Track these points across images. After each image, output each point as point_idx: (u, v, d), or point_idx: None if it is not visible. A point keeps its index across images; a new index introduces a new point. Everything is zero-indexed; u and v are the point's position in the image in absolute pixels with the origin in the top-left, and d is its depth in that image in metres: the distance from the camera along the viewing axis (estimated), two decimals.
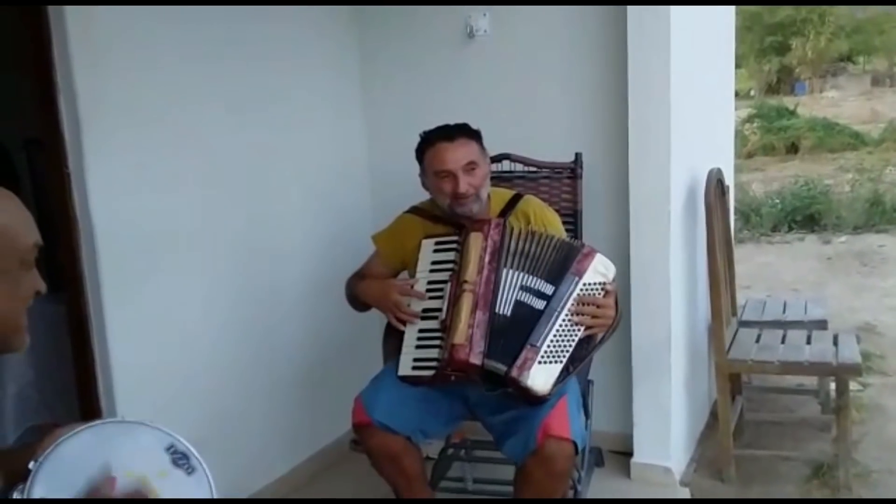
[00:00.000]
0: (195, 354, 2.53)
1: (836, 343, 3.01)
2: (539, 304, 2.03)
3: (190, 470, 1.20)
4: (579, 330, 2.02)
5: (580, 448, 2.06)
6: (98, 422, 1.23)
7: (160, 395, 2.38)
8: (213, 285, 2.61)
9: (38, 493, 1.11)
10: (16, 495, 1.11)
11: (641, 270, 2.76)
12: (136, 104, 2.30)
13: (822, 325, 3.41)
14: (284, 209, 2.90)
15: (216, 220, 2.60)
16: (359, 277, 2.39)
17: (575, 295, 2.02)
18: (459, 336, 2.01)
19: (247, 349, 2.74)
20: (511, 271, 2.07)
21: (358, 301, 2.35)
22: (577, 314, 2.01)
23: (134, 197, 2.31)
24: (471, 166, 2.19)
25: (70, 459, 1.14)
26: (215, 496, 1.21)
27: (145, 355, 2.35)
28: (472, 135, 2.25)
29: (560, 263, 2.06)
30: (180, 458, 1.20)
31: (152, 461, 1.18)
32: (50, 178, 2.23)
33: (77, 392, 2.34)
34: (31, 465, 1.13)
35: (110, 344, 2.26)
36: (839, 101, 21.96)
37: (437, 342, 2.10)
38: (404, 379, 2.14)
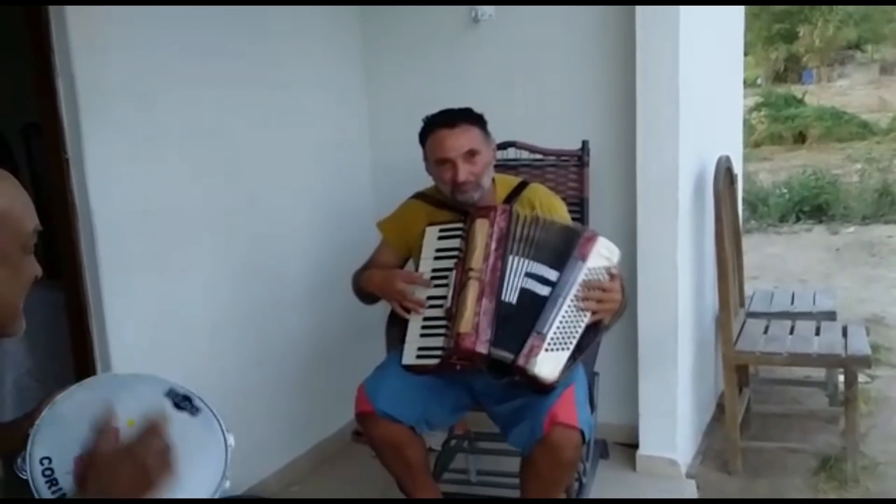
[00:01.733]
0: (195, 343, 2.51)
1: (844, 335, 2.98)
2: (544, 291, 1.99)
3: (194, 411, 1.18)
4: (586, 315, 1.98)
5: (587, 438, 2.03)
6: (92, 378, 1.21)
7: None
8: (214, 272, 2.58)
9: (38, 455, 1.10)
10: (19, 462, 1.09)
11: (648, 260, 2.72)
12: (136, 89, 2.27)
13: (830, 316, 3.38)
14: (286, 195, 2.87)
15: (217, 207, 2.57)
16: (365, 268, 2.36)
17: (580, 280, 1.99)
18: (465, 324, 1.98)
19: (248, 337, 2.72)
20: (516, 258, 2.03)
21: (364, 292, 2.32)
22: (583, 299, 1.98)
23: (133, 183, 2.28)
24: (471, 154, 2.15)
25: (68, 417, 1.13)
26: (225, 432, 1.19)
27: (144, 343, 2.32)
28: (475, 120, 2.20)
29: (563, 248, 2.02)
30: (182, 401, 1.18)
31: (153, 407, 1.15)
32: (48, 164, 2.20)
33: (76, 380, 2.31)
34: (30, 430, 1.11)
35: (109, 331, 2.23)
36: (847, 90, 21.83)
37: (442, 330, 2.07)
38: (409, 368, 2.11)
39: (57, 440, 1.11)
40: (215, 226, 2.57)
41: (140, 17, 2.27)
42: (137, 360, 2.29)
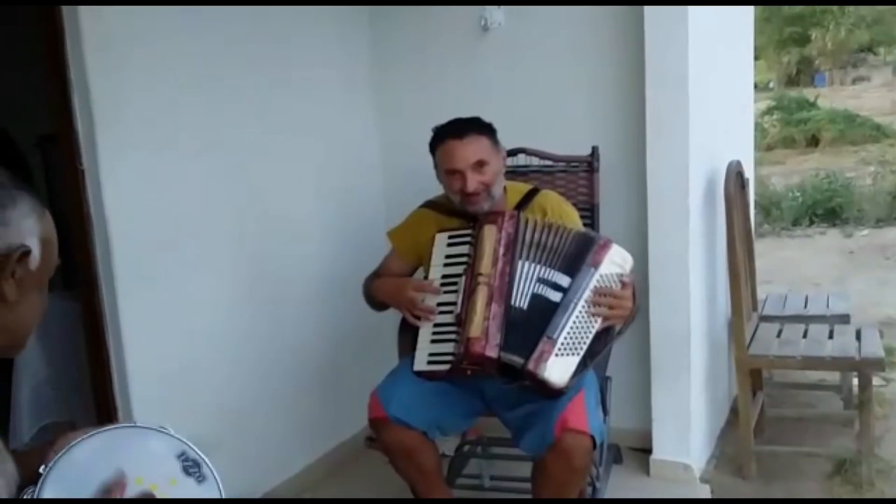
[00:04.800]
0: (209, 350, 2.53)
1: (858, 338, 2.96)
2: (555, 296, 2.00)
3: (201, 478, 1.18)
4: (596, 322, 1.99)
5: (598, 443, 2.04)
6: (110, 426, 1.22)
7: (175, 391, 2.38)
8: (228, 282, 2.61)
9: (47, 496, 1.10)
10: (25, 495, 1.11)
11: (660, 265, 2.72)
12: (151, 101, 2.30)
13: (844, 319, 3.36)
14: (298, 205, 2.89)
15: (231, 216, 2.60)
16: (375, 276, 2.38)
17: (592, 286, 1.99)
18: (475, 329, 1.99)
19: (261, 346, 2.74)
20: (526, 263, 2.04)
21: (374, 300, 2.34)
22: (595, 305, 1.98)
23: (148, 193, 2.30)
24: (480, 164, 2.15)
25: (81, 464, 1.14)
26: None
27: (160, 351, 2.35)
28: (484, 130, 2.21)
29: (576, 255, 2.03)
30: (191, 467, 1.18)
31: (163, 468, 1.17)
32: (64, 175, 2.23)
33: (92, 388, 2.34)
34: (41, 468, 1.12)
35: (125, 340, 2.26)
36: (860, 93, 21.68)
37: (452, 336, 2.07)
38: (420, 374, 2.12)
39: (66, 485, 1.12)
40: (230, 234, 2.60)
41: (155, 29, 2.30)
42: (153, 370, 2.31)
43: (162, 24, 2.33)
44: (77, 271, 2.25)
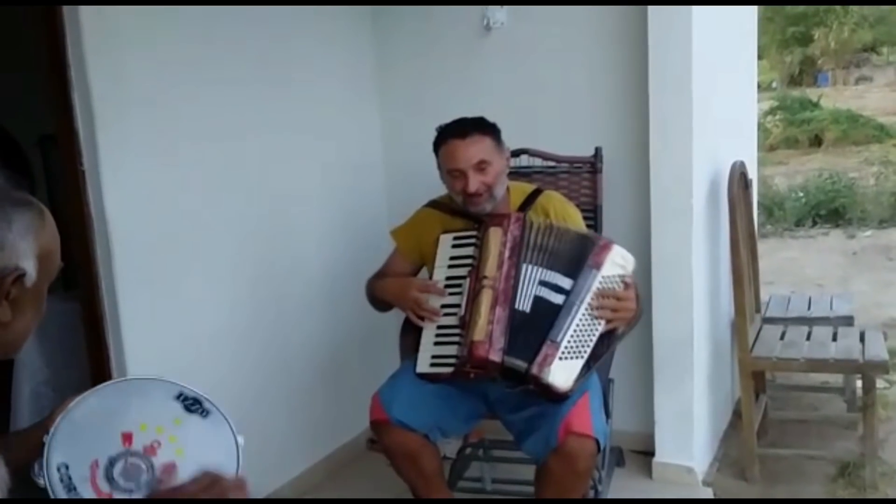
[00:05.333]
0: (210, 351, 2.52)
1: (862, 340, 2.95)
2: (558, 299, 1.99)
3: (204, 413, 1.20)
4: (600, 324, 1.98)
5: (602, 446, 2.03)
6: (103, 384, 1.23)
7: None
8: (229, 282, 2.60)
9: (55, 462, 1.12)
10: (35, 469, 1.12)
11: (663, 266, 2.71)
12: (152, 101, 2.29)
13: (848, 321, 3.35)
14: (300, 205, 2.88)
15: (232, 218, 2.58)
16: (378, 276, 2.37)
17: (594, 288, 1.98)
18: (479, 332, 1.98)
19: (263, 347, 2.73)
20: (530, 266, 2.03)
21: (378, 300, 2.33)
22: (597, 308, 1.98)
23: (149, 194, 2.29)
24: (482, 165, 2.14)
25: (82, 424, 1.16)
26: (235, 433, 1.21)
27: (160, 353, 2.34)
28: (487, 130, 2.20)
29: (577, 256, 2.02)
30: (192, 404, 1.21)
31: (165, 411, 1.18)
32: (64, 175, 2.22)
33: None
34: (44, 438, 1.13)
35: (125, 341, 2.25)
36: (863, 93, 21.65)
37: (455, 339, 2.07)
38: (422, 376, 2.11)
39: (73, 447, 1.13)
40: (231, 235, 2.59)
41: (156, 29, 2.29)
42: (154, 371, 2.29)
43: (163, 24, 2.32)
44: (77, 272, 2.24)
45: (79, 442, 1.14)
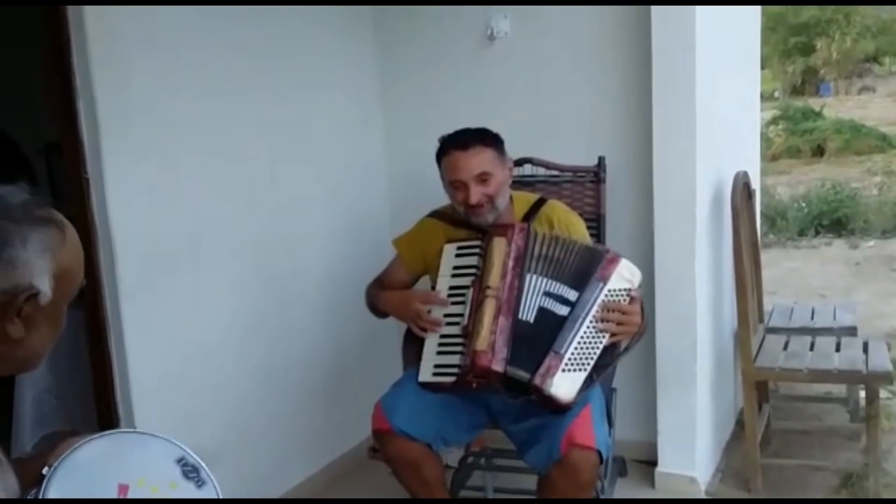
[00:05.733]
0: (213, 360, 2.52)
1: (865, 350, 2.94)
2: (563, 311, 1.99)
3: (200, 483, 1.22)
4: (604, 337, 1.98)
5: (604, 457, 2.02)
6: (112, 431, 1.25)
7: (177, 401, 2.37)
8: (233, 291, 2.60)
9: (50, 497, 1.12)
10: (29, 498, 1.12)
11: (666, 276, 2.71)
12: (156, 109, 2.30)
13: (851, 331, 3.34)
14: (303, 213, 2.88)
15: (235, 226, 2.59)
16: (379, 285, 2.37)
17: (599, 301, 1.98)
18: (482, 342, 1.98)
19: (265, 355, 2.73)
20: (535, 277, 2.03)
21: (378, 309, 2.33)
22: (602, 321, 1.97)
23: (153, 202, 2.30)
24: (484, 176, 2.14)
25: (84, 466, 1.17)
26: None
27: (163, 361, 2.34)
28: (489, 142, 2.20)
29: (584, 269, 2.02)
30: (191, 471, 1.22)
31: (164, 472, 1.20)
32: (68, 183, 2.22)
33: (95, 397, 2.33)
34: (44, 470, 1.14)
35: (128, 349, 2.25)
36: (865, 103, 21.66)
37: (458, 348, 2.07)
38: (425, 385, 2.11)
39: (70, 487, 1.14)
40: (234, 243, 2.59)
41: (161, 37, 2.30)
42: (156, 378, 2.30)
43: (169, 32, 2.33)
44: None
45: (77, 483, 1.15)
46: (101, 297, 2.23)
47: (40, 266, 1.00)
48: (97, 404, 2.32)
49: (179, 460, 1.22)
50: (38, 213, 1.02)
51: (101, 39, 2.14)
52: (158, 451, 1.22)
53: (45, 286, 1.01)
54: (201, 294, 2.48)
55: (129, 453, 1.20)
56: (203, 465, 1.22)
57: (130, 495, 1.16)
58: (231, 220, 2.57)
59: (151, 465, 1.20)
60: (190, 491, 1.20)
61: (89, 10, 2.11)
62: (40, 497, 1.12)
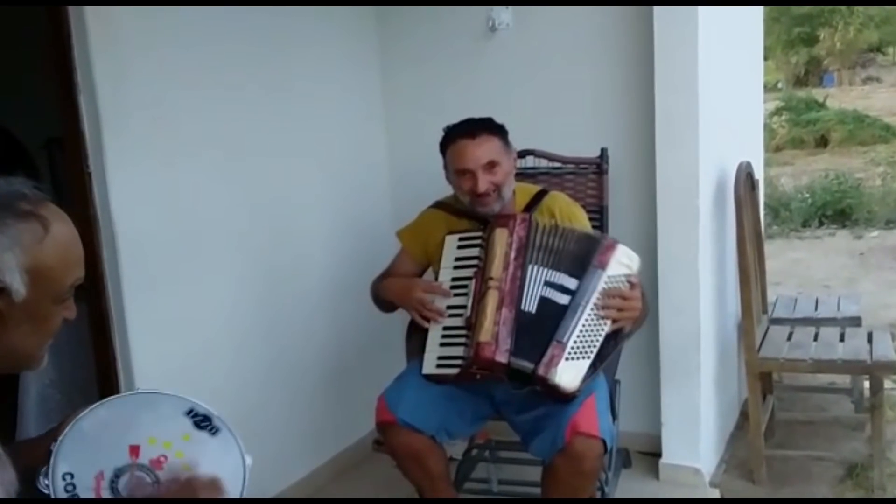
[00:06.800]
0: (216, 355, 2.52)
1: (870, 340, 2.94)
2: (564, 300, 1.99)
3: (214, 430, 1.20)
4: (606, 324, 1.97)
5: (609, 447, 2.02)
6: (114, 396, 1.23)
7: (181, 393, 2.36)
8: (236, 286, 2.60)
9: (61, 470, 1.11)
10: (41, 477, 1.11)
11: (669, 267, 2.70)
12: (158, 104, 2.29)
13: (855, 322, 3.34)
14: (305, 205, 2.88)
15: (238, 218, 2.59)
16: (384, 277, 2.37)
17: (599, 288, 1.98)
18: (485, 334, 1.98)
19: (269, 349, 2.73)
20: (536, 267, 2.03)
21: (382, 300, 2.33)
22: (603, 308, 1.97)
23: (155, 197, 2.30)
24: (491, 165, 2.14)
25: (90, 434, 1.16)
26: (243, 452, 1.21)
27: (166, 355, 2.34)
28: (496, 131, 2.20)
29: (582, 256, 2.02)
30: (202, 421, 1.21)
31: (174, 426, 1.19)
32: (71, 178, 2.22)
33: (98, 391, 2.33)
34: (52, 446, 1.13)
35: (131, 343, 2.25)
36: (869, 93, 21.57)
37: (462, 340, 2.07)
38: (429, 377, 2.11)
39: (79, 456, 1.13)
40: (236, 237, 2.59)
41: (162, 32, 2.30)
42: (160, 372, 2.30)
43: (169, 28, 2.32)
44: (84, 274, 2.23)
45: (85, 452, 1.13)
46: (105, 292, 2.23)
47: (7, 261, 0.98)
48: (101, 398, 2.33)
49: (189, 412, 1.20)
50: (21, 207, 1.00)
51: (101, 36, 2.13)
52: (166, 407, 1.20)
53: (15, 282, 0.99)
54: (203, 288, 2.48)
55: (136, 414, 1.18)
56: (214, 412, 1.20)
57: (142, 454, 1.14)
58: (233, 214, 2.57)
59: (160, 421, 1.18)
60: (204, 439, 1.18)
61: (90, 9, 2.11)
62: (49, 472, 1.10)
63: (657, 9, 2.62)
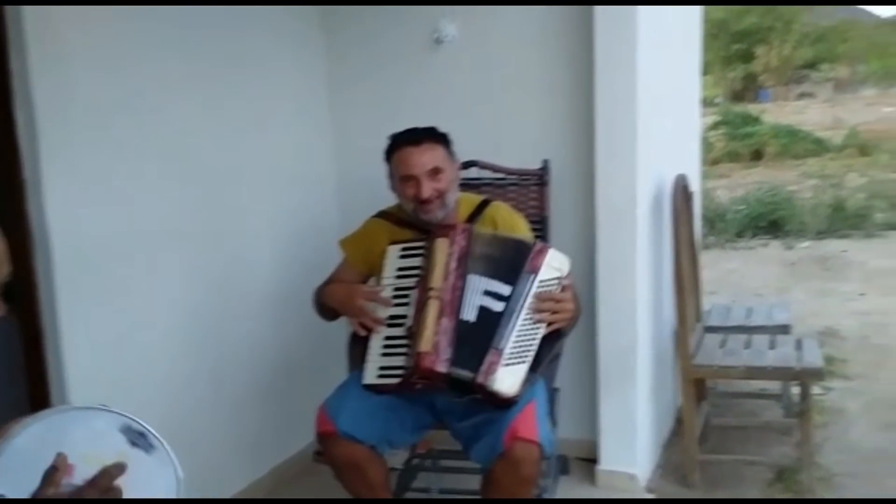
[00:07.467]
0: (155, 364, 2.48)
1: (799, 347, 3.04)
2: (499, 307, 2.02)
3: (149, 448, 1.18)
4: (540, 327, 2.01)
5: (548, 453, 2.06)
6: (48, 411, 1.20)
7: (118, 405, 2.31)
8: (174, 295, 2.56)
9: None
10: None
11: (608, 276, 2.76)
12: (96, 110, 2.25)
13: (785, 329, 3.44)
14: (249, 215, 2.86)
15: (178, 227, 2.55)
16: (326, 285, 2.36)
17: (532, 293, 2.02)
18: (425, 343, 2.00)
19: (209, 358, 2.70)
20: (475, 276, 2.06)
21: (324, 307, 2.32)
22: (537, 312, 2.01)
23: (92, 206, 2.25)
24: (435, 171, 2.17)
25: (24, 451, 1.12)
26: (179, 472, 1.19)
27: (102, 369, 2.29)
28: (440, 139, 2.23)
29: (515, 263, 2.06)
30: (137, 438, 1.18)
31: (108, 443, 1.15)
32: (4, 186, 2.16)
33: (30, 405, 2.27)
34: None
35: (65, 356, 2.19)
36: (803, 109, 22.34)
37: (403, 350, 2.07)
38: (369, 387, 2.11)
39: (12, 475, 1.10)
40: (177, 247, 2.55)
41: (101, 38, 2.26)
42: (94, 387, 2.25)
43: (109, 29, 2.28)
44: (16, 285, 2.18)
45: (19, 471, 1.10)
46: (38, 305, 2.17)
47: None
48: (33, 412, 2.27)
49: (123, 428, 1.19)
50: None
51: (38, 37, 2.09)
52: (99, 424, 1.17)
53: None
54: (142, 296, 2.44)
55: (71, 430, 1.15)
56: (149, 429, 1.19)
57: (77, 473, 1.11)
58: (174, 223, 2.53)
59: (95, 438, 1.15)
60: (139, 457, 1.16)
61: (28, 10, 2.06)
62: None
63: (598, 25, 2.68)
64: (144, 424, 1.18)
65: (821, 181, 10.52)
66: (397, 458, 2.61)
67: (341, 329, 2.38)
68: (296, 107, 3.10)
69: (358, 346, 2.24)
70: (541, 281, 2.03)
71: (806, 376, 2.84)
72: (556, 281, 2.04)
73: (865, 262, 6.76)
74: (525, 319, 2.00)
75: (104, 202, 2.29)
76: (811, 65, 29.73)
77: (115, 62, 2.31)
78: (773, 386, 3.65)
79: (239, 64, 2.78)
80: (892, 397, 3.73)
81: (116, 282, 2.34)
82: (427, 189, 2.16)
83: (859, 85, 29.49)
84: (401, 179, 2.21)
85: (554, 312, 2.03)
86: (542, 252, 2.06)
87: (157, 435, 1.18)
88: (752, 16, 26.81)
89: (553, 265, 2.05)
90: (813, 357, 2.93)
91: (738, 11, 26.72)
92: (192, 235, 2.61)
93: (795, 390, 3.31)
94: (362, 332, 2.15)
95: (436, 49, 3.04)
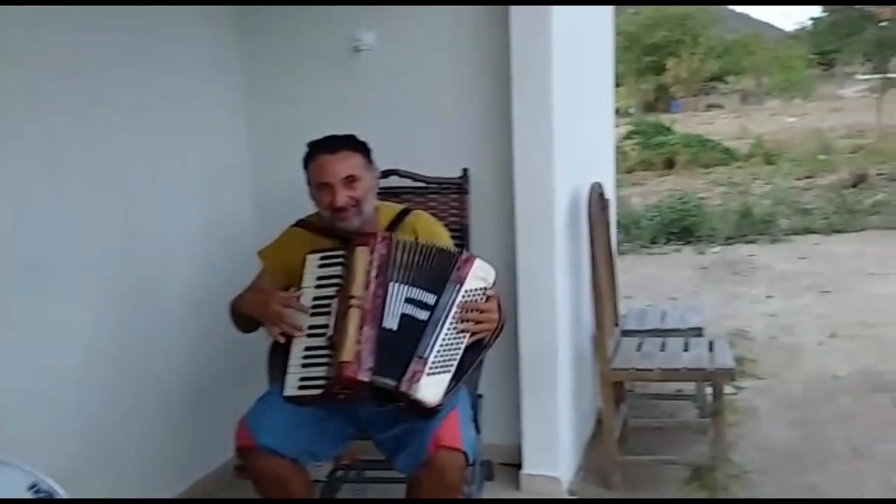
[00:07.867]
0: (68, 382, 2.39)
1: (711, 349, 3.13)
2: (423, 315, 2.02)
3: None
4: (465, 337, 2.02)
5: (472, 459, 2.06)
6: None
7: (29, 425, 2.23)
8: (86, 309, 2.47)
9: None
10: None
11: (528, 283, 2.80)
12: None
13: (698, 332, 3.54)
14: (163, 226, 2.78)
15: (89, 241, 2.47)
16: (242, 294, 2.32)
17: (457, 302, 2.02)
18: (347, 353, 1.97)
19: (125, 374, 2.61)
20: (397, 284, 2.05)
21: (241, 316, 2.26)
22: (462, 321, 2.02)
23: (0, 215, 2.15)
24: (351, 179, 2.16)
25: None
26: None
27: (13, 383, 2.19)
28: (357, 147, 2.22)
29: (440, 272, 2.06)
30: (45, 497, 1.14)
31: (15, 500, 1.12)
32: None
33: None
34: None
35: None
36: (712, 119, 23.22)
37: (324, 360, 2.04)
38: (290, 399, 2.07)
39: None
40: (88, 263, 2.47)
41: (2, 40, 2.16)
42: (8, 400, 2.15)
43: (11, 40, 2.19)
44: None
45: None
46: None
47: None
48: None
49: (31, 487, 1.15)
50: None
51: None
52: (9, 480, 1.15)
53: None
54: (51, 315, 2.34)
55: None
56: (57, 489, 1.16)
57: None
58: (89, 231, 2.45)
59: (2, 494, 1.13)
60: None
61: None
62: None
63: (514, 37, 2.71)
64: (52, 484, 1.18)
65: (729, 189, 10.96)
66: (322, 471, 2.57)
67: (261, 342, 2.34)
68: (210, 114, 3.03)
69: (278, 358, 2.20)
70: (466, 290, 2.03)
71: (718, 377, 2.93)
72: (481, 291, 2.06)
73: (772, 266, 7.05)
74: (449, 329, 2.00)
75: (9, 213, 2.19)
76: (719, 77, 30.96)
77: (14, 76, 2.21)
78: (688, 387, 3.76)
79: (150, 75, 2.71)
80: (799, 395, 3.90)
81: (20, 302, 2.25)
82: (342, 197, 2.15)
83: (764, 96, 30.86)
84: (317, 187, 2.20)
85: (478, 322, 2.04)
86: (469, 262, 2.07)
87: (62, 495, 1.16)
88: (662, 29, 27.78)
89: (479, 275, 2.06)
90: (724, 358, 3.02)
91: (649, 25, 27.65)
92: (103, 252, 2.53)
93: (709, 390, 3.40)
94: (282, 340, 2.10)
95: (354, 57, 3.03)
